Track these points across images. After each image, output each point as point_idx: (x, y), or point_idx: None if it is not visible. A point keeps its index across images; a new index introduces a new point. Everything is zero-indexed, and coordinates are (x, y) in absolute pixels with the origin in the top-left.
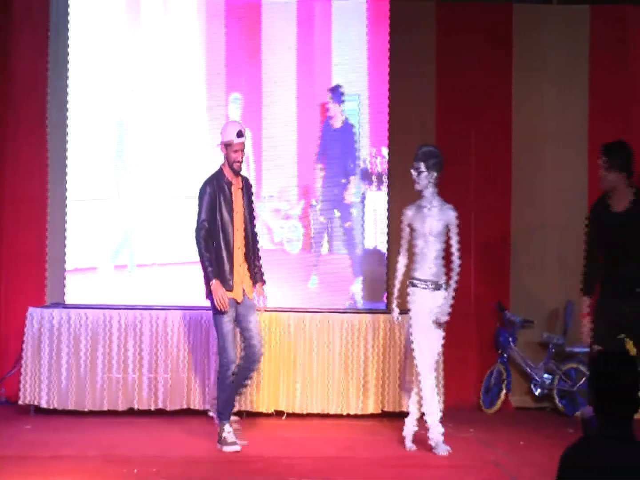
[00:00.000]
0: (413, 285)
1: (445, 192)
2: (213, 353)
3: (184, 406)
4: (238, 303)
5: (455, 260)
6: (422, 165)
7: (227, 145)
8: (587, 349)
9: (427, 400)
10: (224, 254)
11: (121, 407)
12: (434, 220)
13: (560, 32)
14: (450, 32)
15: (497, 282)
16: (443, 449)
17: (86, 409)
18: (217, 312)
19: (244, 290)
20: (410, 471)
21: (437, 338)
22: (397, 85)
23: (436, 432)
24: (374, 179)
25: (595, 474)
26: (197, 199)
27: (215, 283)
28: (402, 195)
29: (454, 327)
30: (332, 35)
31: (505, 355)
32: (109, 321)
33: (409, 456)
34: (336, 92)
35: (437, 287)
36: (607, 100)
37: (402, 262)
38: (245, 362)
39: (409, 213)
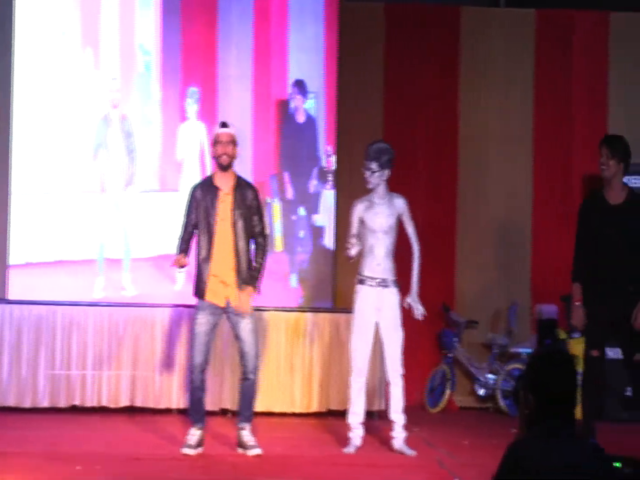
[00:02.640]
0: (361, 282)
1: None
2: (158, 350)
3: (128, 404)
4: (223, 309)
5: (415, 247)
6: (374, 165)
7: (213, 144)
8: (530, 350)
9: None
10: (201, 260)
11: (63, 404)
12: (384, 216)
13: (506, 35)
14: (398, 34)
15: (443, 283)
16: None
17: (27, 406)
18: (195, 312)
19: (228, 299)
20: (356, 470)
21: (395, 340)
22: (346, 85)
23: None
24: (329, 177)
25: (538, 469)
26: None
27: (177, 256)
28: (350, 194)
29: None
30: (289, 32)
31: (450, 355)
32: (52, 317)
33: (355, 455)
34: (301, 86)
35: (384, 284)
36: (551, 103)
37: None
38: (242, 371)
39: (361, 206)
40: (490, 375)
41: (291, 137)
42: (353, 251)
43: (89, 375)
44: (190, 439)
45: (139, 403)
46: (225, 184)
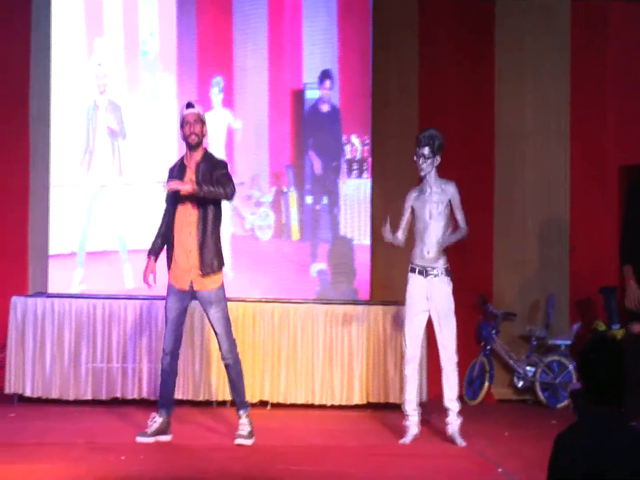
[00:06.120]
0: (412, 270)
1: None
2: (196, 343)
3: None
4: (186, 292)
5: (463, 226)
6: (427, 151)
7: (181, 125)
8: (568, 342)
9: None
10: (173, 241)
11: (105, 396)
12: (434, 203)
13: (541, 27)
14: (432, 26)
15: (480, 276)
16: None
17: (70, 398)
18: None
19: (192, 282)
20: (398, 460)
21: (448, 328)
22: (379, 77)
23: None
24: (346, 166)
25: (588, 457)
26: None
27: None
28: (384, 184)
29: None
30: (303, 24)
31: (488, 347)
32: (92, 310)
33: (396, 446)
34: (328, 76)
35: (434, 273)
36: (587, 94)
37: (401, 235)
38: (222, 357)
39: (413, 195)
40: (528, 368)
41: (315, 127)
42: (390, 237)
43: (129, 367)
44: (152, 426)
45: (178, 395)
46: (191, 159)
